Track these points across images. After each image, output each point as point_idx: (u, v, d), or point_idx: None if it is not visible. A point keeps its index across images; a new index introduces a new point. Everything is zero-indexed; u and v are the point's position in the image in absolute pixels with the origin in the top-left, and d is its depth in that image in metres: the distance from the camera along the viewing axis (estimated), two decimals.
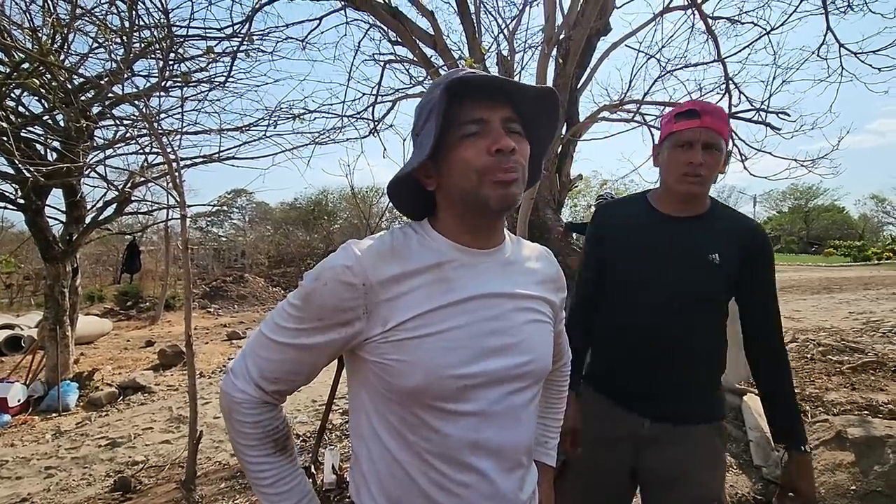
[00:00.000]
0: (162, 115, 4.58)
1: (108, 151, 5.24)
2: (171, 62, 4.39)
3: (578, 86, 4.38)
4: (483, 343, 0.73)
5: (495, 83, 0.72)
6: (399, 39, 4.51)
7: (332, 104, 5.10)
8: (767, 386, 1.28)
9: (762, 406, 1.30)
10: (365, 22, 4.78)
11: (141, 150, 5.20)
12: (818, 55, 4.25)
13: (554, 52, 3.78)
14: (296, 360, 0.74)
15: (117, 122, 5.41)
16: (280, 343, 0.73)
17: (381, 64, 5.01)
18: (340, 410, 4.44)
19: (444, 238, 0.77)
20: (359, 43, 4.89)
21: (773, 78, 4.38)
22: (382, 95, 5.12)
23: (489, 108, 0.72)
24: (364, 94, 5.13)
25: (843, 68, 4.17)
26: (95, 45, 4.58)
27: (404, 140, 3.51)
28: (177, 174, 2.49)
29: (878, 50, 3.92)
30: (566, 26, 3.68)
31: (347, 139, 5.26)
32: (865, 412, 3.51)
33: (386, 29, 4.60)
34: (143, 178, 4.86)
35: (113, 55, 4.07)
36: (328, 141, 5.18)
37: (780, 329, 1.27)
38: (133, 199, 5.91)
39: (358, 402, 0.78)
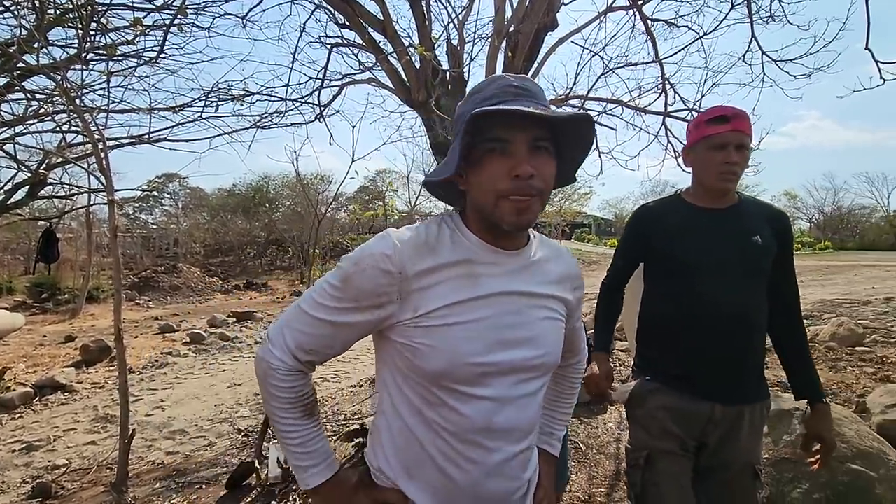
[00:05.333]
0: (83, 91, 4.18)
1: (19, 128, 4.74)
2: (92, 32, 4.01)
3: None
4: (501, 336, 0.80)
5: (528, 114, 0.73)
6: (347, 22, 4.38)
7: (275, 87, 4.86)
8: (791, 353, 1.47)
9: (784, 370, 1.48)
10: (310, 2, 4.59)
11: (58, 128, 4.74)
12: (744, 61, 4.57)
13: (503, 45, 3.82)
14: (331, 335, 0.81)
15: (29, 95, 4.89)
16: (318, 319, 0.80)
17: (328, 47, 4.84)
18: None
19: (474, 237, 0.83)
20: (304, 24, 4.68)
21: (705, 80, 4.67)
22: (329, 80, 4.96)
23: (516, 128, 0.75)
24: (310, 78, 4.94)
25: (764, 74, 4.52)
26: (0, 8, 4.09)
27: (353, 127, 3.42)
28: (102, 155, 2.29)
29: (795, 58, 4.27)
30: (515, 19, 3.72)
31: (291, 124, 5.01)
32: (776, 388, 3.90)
33: (333, 11, 4.44)
34: (61, 159, 4.44)
35: (23, 21, 3.66)
36: (270, 125, 4.95)
37: (800, 303, 1.47)
38: (49, 181, 5.40)
39: (382, 381, 0.87)
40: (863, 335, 5.59)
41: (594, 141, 0.87)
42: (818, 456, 1.43)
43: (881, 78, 3.36)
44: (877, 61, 3.31)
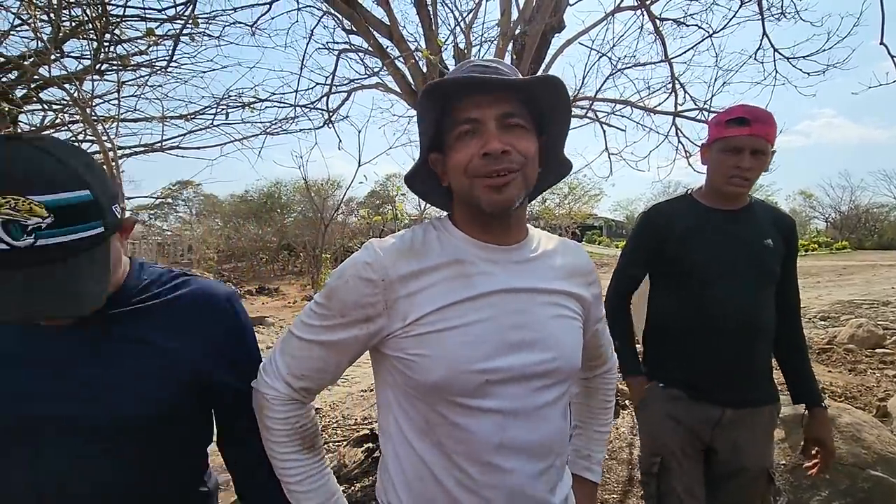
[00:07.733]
0: (96, 101, 4.25)
1: None
2: (106, 44, 4.09)
3: None
4: (504, 337, 0.73)
5: (483, 83, 0.70)
6: (354, 28, 4.41)
7: (284, 93, 4.92)
8: (790, 356, 1.45)
9: (782, 373, 1.45)
10: (318, 9, 4.64)
11: (74, 138, 4.83)
12: (755, 59, 4.50)
13: (510, 47, 3.81)
14: (321, 357, 0.76)
15: (45, 106, 5.00)
16: (306, 340, 0.76)
17: (336, 53, 4.89)
18: None
19: (464, 235, 0.78)
20: (312, 30, 4.74)
21: (715, 79, 4.60)
22: (337, 85, 5.00)
23: (482, 106, 0.71)
24: (318, 84, 4.99)
25: (776, 72, 4.44)
26: (18, 21, 4.19)
27: (360, 132, 3.44)
28: (114, 164, 2.32)
29: (808, 55, 4.19)
30: (522, 21, 3.71)
31: (301, 130, 5.06)
32: None
33: (340, 17, 4.48)
34: None
35: (39, 34, 3.73)
36: (280, 131, 5.00)
37: (800, 307, 1.46)
38: None
39: (384, 401, 0.80)
40: (883, 336, 5.46)
41: (570, 104, 0.80)
42: (817, 461, 1.42)
43: None
44: (892, 56, 3.23)
